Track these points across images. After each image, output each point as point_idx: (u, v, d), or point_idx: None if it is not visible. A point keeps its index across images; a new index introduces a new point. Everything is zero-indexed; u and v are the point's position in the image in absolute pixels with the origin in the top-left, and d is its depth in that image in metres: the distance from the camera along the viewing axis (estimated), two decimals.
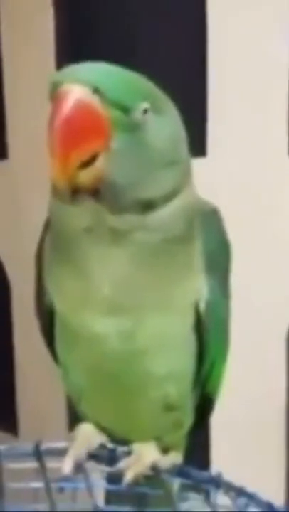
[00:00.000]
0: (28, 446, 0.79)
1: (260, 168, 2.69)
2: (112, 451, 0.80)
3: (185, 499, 0.79)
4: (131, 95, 0.70)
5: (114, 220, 0.71)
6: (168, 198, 0.72)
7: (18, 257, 2.95)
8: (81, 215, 0.71)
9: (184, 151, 0.75)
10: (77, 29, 2.77)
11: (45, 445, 0.79)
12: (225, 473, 0.79)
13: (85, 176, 0.69)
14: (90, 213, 0.71)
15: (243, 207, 2.59)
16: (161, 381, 0.79)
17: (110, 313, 0.74)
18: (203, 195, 0.80)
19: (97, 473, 0.81)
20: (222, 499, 0.77)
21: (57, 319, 0.81)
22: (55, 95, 0.68)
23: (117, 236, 0.71)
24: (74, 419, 0.87)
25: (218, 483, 0.78)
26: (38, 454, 0.78)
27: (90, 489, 0.75)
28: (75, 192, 0.70)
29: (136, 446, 0.80)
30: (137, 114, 0.70)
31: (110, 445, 0.81)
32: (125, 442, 0.81)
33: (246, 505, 0.75)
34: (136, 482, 0.77)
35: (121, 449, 0.80)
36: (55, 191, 0.72)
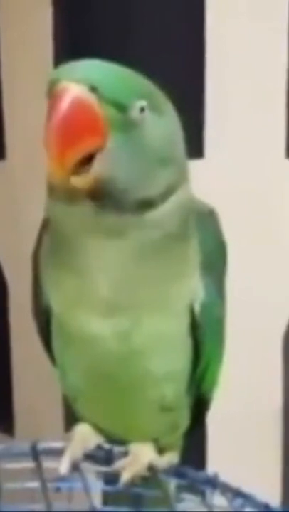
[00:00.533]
0: (25, 446, 0.79)
1: (258, 170, 2.69)
2: (109, 451, 0.80)
3: (181, 500, 0.80)
4: (128, 93, 0.70)
5: (110, 219, 0.71)
6: (164, 196, 0.73)
7: (15, 257, 2.95)
8: (77, 214, 0.71)
9: (181, 150, 0.75)
10: (75, 28, 2.77)
11: (42, 445, 0.79)
12: (221, 473, 0.79)
13: (83, 183, 0.69)
14: (87, 212, 0.71)
15: (241, 208, 2.59)
16: (158, 381, 0.79)
17: (107, 314, 0.74)
18: (200, 197, 0.80)
19: (94, 474, 0.81)
20: (218, 500, 0.77)
21: (54, 320, 0.81)
22: (51, 93, 0.68)
23: (114, 235, 0.71)
24: (70, 419, 0.87)
25: (214, 483, 0.78)
26: (35, 454, 0.78)
27: (86, 489, 0.75)
28: (72, 191, 0.70)
29: (133, 447, 0.80)
30: (134, 113, 0.70)
31: (107, 445, 0.81)
32: (122, 443, 0.81)
33: (242, 506, 0.75)
34: (133, 482, 0.77)
35: (118, 449, 0.80)
36: (52, 190, 0.72)
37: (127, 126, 0.70)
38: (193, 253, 0.77)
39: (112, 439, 0.82)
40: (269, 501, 0.75)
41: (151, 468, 0.79)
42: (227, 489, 0.77)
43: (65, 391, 0.85)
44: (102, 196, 0.70)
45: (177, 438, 0.86)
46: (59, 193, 0.71)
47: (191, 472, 0.81)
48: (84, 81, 0.68)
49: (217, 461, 2.65)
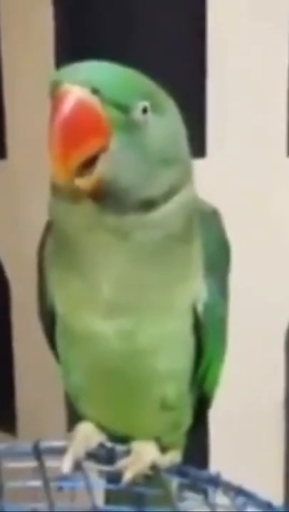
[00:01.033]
0: (27, 446, 0.79)
1: (260, 169, 2.69)
2: (111, 450, 0.80)
3: (184, 499, 0.80)
4: (130, 94, 0.70)
5: (114, 219, 0.71)
6: (168, 196, 0.73)
7: (17, 257, 2.95)
8: (81, 214, 0.71)
9: (185, 149, 0.76)
10: (76, 28, 2.76)
11: (44, 444, 0.79)
12: (223, 472, 0.79)
13: (87, 184, 0.69)
14: (90, 212, 0.71)
15: (243, 208, 2.59)
16: (160, 380, 0.79)
17: (110, 314, 0.74)
18: (202, 196, 0.80)
19: (96, 473, 0.81)
20: (221, 499, 0.77)
21: (58, 319, 0.81)
22: (54, 95, 0.69)
23: (118, 235, 0.71)
24: (73, 418, 0.87)
25: (216, 482, 0.78)
26: (37, 453, 0.79)
27: (89, 488, 0.75)
28: (75, 191, 0.70)
29: (135, 446, 0.80)
30: (137, 113, 0.70)
31: (109, 444, 0.81)
32: (124, 441, 0.81)
33: (245, 505, 0.75)
34: (135, 481, 0.77)
35: (120, 448, 0.80)
36: (55, 190, 0.72)
37: (130, 127, 0.70)
38: (196, 253, 0.77)
39: (114, 438, 0.82)
40: (271, 500, 0.75)
41: (153, 467, 0.79)
42: (229, 488, 0.77)
43: (68, 390, 0.85)
44: (104, 196, 0.70)
45: (179, 437, 0.86)
46: (62, 193, 0.71)
47: (194, 471, 0.81)
48: (86, 83, 0.68)
49: (219, 460, 2.65)
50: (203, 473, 0.80)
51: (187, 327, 0.79)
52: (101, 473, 0.82)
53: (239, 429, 2.75)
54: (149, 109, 0.70)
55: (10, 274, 3.20)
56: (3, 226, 3.17)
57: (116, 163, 0.69)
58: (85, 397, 0.83)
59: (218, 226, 0.81)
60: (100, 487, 0.81)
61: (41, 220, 0.82)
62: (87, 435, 0.81)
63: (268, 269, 2.78)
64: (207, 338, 0.81)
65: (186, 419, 0.85)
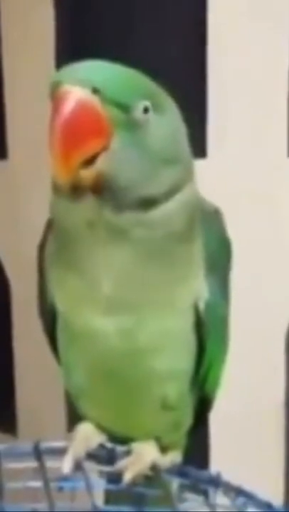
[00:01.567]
0: (28, 446, 0.79)
1: (261, 169, 2.69)
2: (112, 450, 0.80)
3: (184, 499, 0.80)
4: (131, 94, 0.70)
5: (115, 218, 0.71)
6: (169, 194, 0.73)
7: (17, 257, 2.95)
8: (82, 212, 0.71)
9: (185, 149, 0.76)
10: (77, 27, 2.76)
11: (45, 445, 0.79)
12: (224, 472, 0.79)
13: (86, 175, 0.69)
14: (91, 210, 0.71)
15: (244, 208, 2.59)
16: (161, 380, 0.79)
17: (111, 312, 0.74)
18: (202, 196, 0.80)
19: (97, 473, 0.81)
20: (221, 499, 0.77)
21: (58, 318, 0.81)
22: (55, 95, 0.69)
23: (118, 233, 0.72)
24: (73, 419, 0.87)
25: (217, 483, 0.78)
26: (38, 454, 0.78)
27: (89, 489, 0.75)
28: (77, 189, 0.70)
29: (135, 446, 0.80)
30: (137, 113, 0.70)
31: (109, 445, 0.81)
32: (124, 442, 0.81)
33: (245, 505, 0.75)
34: (135, 482, 0.77)
35: (120, 448, 0.80)
36: (56, 188, 0.73)
37: (131, 127, 0.70)
38: (197, 252, 0.77)
39: (114, 438, 0.82)
40: (272, 500, 0.75)
41: (153, 467, 0.79)
42: (230, 488, 0.77)
43: (69, 390, 0.85)
44: (105, 195, 0.70)
45: (180, 437, 0.86)
46: (63, 191, 0.71)
47: (194, 471, 0.81)
48: (86, 83, 0.68)
49: (220, 461, 2.65)
50: (203, 474, 0.80)
51: (188, 326, 0.79)
52: (101, 473, 0.82)
53: (239, 429, 2.74)
54: (150, 108, 0.71)
55: (10, 273, 3.19)
56: (4, 226, 3.17)
57: (117, 162, 0.69)
58: (86, 397, 0.83)
59: (219, 225, 0.81)
60: (100, 487, 0.81)
61: (42, 220, 0.82)
62: (88, 435, 0.81)
63: (268, 269, 2.78)
64: (208, 337, 0.81)
65: (187, 420, 0.85)
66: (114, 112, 0.69)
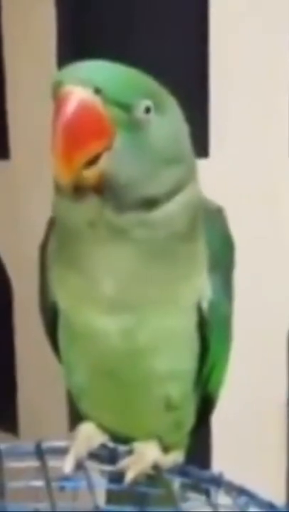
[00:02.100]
0: (30, 445, 0.79)
1: (263, 169, 2.69)
2: (113, 450, 0.80)
3: (186, 499, 0.79)
4: (132, 93, 0.70)
5: (117, 217, 0.71)
6: (171, 194, 0.73)
7: (19, 257, 2.95)
8: (84, 211, 0.71)
9: (187, 148, 0.76)
10: (79, 27, 2.77)
11: (46, 444, 0.79)
12: (225, 471, 0.79)
13: (89, 175, 0.69)
14: (93, 210, 0.71)
15: (246, 208, 2.59)
16: (163, 380, 0.79)
17: (112, 311, 0.74)
18: (205, 195, 0.80)
19: (98, 473, 0.81)
20: (223, 499, 0.77)
21: (60, 317, 0.81)
22: (57, 96, 0.69)
23: (120, 233, 0.72)
24: (75, 418, 0.87)
25: (219, 482, 0.78)
26: (40, 453, 0.78)
27: (90, 488, 0.75)
28: (79, 189, 0.70)
29: (137, 445, 0.80)
30: (139, 113, 0.70)
31: (111, 444, 0.81)
32: (126, 442, 0.81)
33: (247, 505, 0.75)
34: (137, 481, 0.77)
35: (122, 448, 0.80)
36: (58, 188, 0.73)
37: (133, 126, 0.70)
38: (200, 251, 0.77)
39: (116, 438, 0.82)
40: (274, 500, 0.75)
41: (155, 467, 0.79)
42: (232, 488, 0.77)
43: (71, 389, 0.85)
44: (107, 194, 0.70)
45: (182, 437, 0.86)
46: (65, 191, 0.71)
47: (196, 471, 0.81)
48: (88, 83, 0.68)
49: (222, 460, 2.64)
50: (205, 473, 0.80)
51: (191, 325, 0.79)
52: (103, 473, 0.82)
53: (241, 429, 2.75)
54: (151, 108, 0.70)
55: (12, 274, 3.19)
56: (6, 226, 3.17)
57: (119, 162, 0.69)
58: (87, 397, 0.83)
59: (222, 224, 0.81)
60: (101, 487, 0.81)
61: (43, 219, 0.82)
62: (89, 435, 0.81)
63: (270, 269, 2.77)
64: (212, 336, 0.80)
65: (189, 419, 0.85)
66: (116, 112, 0.69)
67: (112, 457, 0.80)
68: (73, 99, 0.67)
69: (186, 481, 0.80)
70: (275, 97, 2.68)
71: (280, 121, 2.70)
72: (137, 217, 0.71)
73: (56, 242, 0.78)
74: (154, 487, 0.78)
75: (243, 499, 0.75)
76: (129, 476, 0.77)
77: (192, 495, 0.80)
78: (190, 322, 0.79)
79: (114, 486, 0.80)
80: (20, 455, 0.79)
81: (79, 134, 0.68)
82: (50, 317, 0.82)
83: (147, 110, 0.70)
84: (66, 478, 0.77)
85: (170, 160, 0.72)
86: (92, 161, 0.69)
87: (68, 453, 0.78)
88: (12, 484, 0.75)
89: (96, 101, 0.68)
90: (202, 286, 0.78)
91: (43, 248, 0.81)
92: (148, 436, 0.81)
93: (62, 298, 0.79)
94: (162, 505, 0.78)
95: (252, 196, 2.69)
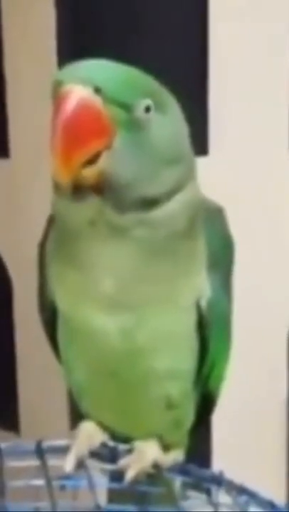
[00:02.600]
0: (30, 444, 0.79)
1: (262, 167, 2.69)
2: (114, 449, 0.80)
3: (187, 497, 0.80)
4: (132, 93, 0.70)
5: (116, 217, 0.71)
6: (170, 194, 0.73)
7: (19, 256, 2.95)
8: (84, 211, 0.71)
9: (187, 148, 0.76)
10: (79, 27, 2.77)
11: (47, 443, 0.79)
12: (226, 470, 0.79)
13: (88, 174, 0.69)
14: (93, 209, 0.71)
15: (245, 206, 2.59)
16: (163, 379, 0.79)
17: (111, 310, 0.74)
18: (204, 195, 0.80)
19: (99, 471, 0.81)
20: (223, 497, 0.77)
21: (59, 316, 0.81)
22: (57, 95, 0.69)
23: (120, 232, 0.72)
24: (75, 417, 0.87)
25: (219, 481, 0.78)
26: (40, 452, 0.79)
27: (91, 487, 0.75)
28: (78, 188, 0.70)
29: (137, 444, 0.80)
30: (139, 112, 0.70)
31: (112, 443, 0.81)
32: (127, 441, 0.81)
33: (247, 504, 0.75)
34: (137, 480, 0.77)
35: (122, 447, 0.80)
36: (58, 187, 0.72)
37: (133, 126, 0.70)
38: (200, 251, 0.77)
39: (117, 437, 0.82)
40: (274, 499, 0.75)
41: (156, 465, 0.79)
42: (232, 487, 0.77)
43: (71, 388, 0.85)
44: (107, 194, 0.70)
45: (182, 435, 0.86)
46: (64, 190, 0.71)
47: (196, 470, 0.81)
48: (88, 82, 0.68)
49: (222, 459, 2.65)
50: (205, 472, 0.80)
51: (191, 324, 0.79)
52: (104, 471, 0.82)
53: (242, 428, 2.75)
54: (151, 107, 0.70)
55: (12, 272, 3.19)
56: (6, 225, 3.17)
57: (118, 161, 0.69)
58: (87, 396, 0.83)
59: (222, 223, 0.81)
60: (102, 486, 0.81)
61: (44, 218, 0.82)
62: (90, 434, 0.81)
63: (269, 268, 2.77)
64: (211, 335, 0.80)
65: (189, 418, 0.85)
66: (116, 111, 0.69)
67: (112, 456, 0.80)
68: (73, 98, 0.67)
69: (187, 479, 0.80)
70: (274, 96, 2.68)
71: (279, 119, 2.70)
72: (137, 217, 0.71)
73: (55, 240, 0.78)
74: (155, 486, 0.79)
75: (243, 498, 0.75)
76: (130, 475, 0.77)
77: (192, 494, 0.80)
78: (189, 321, 0.79)
79: (114, 485, 0.80)
80: (21, 454, 0.79)
81: (78, 133, 0.68)
82: (49, 316, 0.82)
83: (147, 109, 0.70)
84: (67, 477, 0.77)
85: (170, 159, 0.72)
86: (92, 161, 0.69)
87: (69, 452, 0.78)
88: (12, 483, 0.75)
89: (96, 100, 0.68)
90: (201, 285, 0.78)
91: (42, 246, 0.81)
92: (148, 435, 0.81)
93: (61, 296, 0.79)
94: (163, 504, 0.78)
95: (251, 194, 2.69)
